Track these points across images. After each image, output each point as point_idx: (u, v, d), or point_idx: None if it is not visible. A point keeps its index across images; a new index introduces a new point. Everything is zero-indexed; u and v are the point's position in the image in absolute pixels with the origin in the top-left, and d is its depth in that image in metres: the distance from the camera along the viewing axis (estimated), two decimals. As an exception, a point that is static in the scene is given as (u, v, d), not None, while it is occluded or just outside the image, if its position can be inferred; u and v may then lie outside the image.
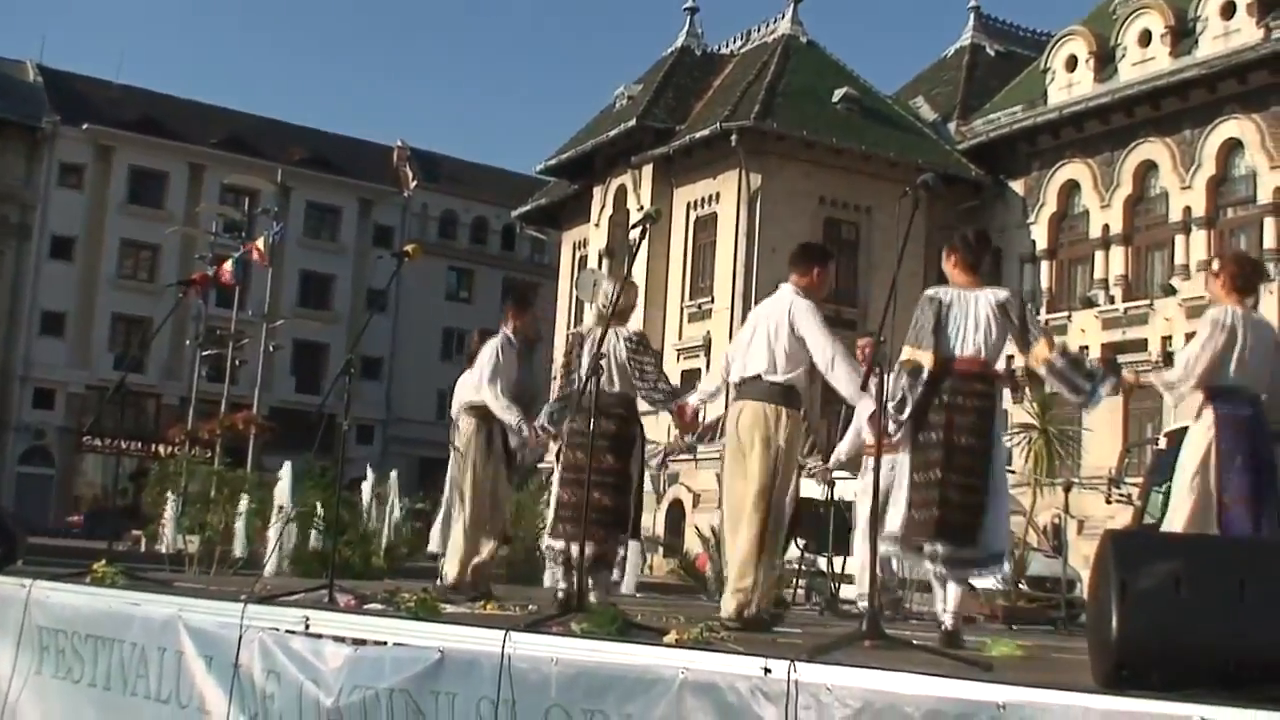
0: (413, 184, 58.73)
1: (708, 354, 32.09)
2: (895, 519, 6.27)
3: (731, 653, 4.70)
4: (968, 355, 6.20)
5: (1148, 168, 30.68)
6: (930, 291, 6.32)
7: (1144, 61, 30.57)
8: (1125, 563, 4.06)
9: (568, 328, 35.83)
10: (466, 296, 58.46)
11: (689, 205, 34.30)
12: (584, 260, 38.29)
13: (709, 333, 32.76)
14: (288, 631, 6.08)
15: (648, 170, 34.92)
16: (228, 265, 32.56)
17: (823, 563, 11.51)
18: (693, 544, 22.46)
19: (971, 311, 6.25)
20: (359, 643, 5.83)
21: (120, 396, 10.40)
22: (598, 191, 37.24)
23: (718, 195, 33.48)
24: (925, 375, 6.13)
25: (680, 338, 33.84)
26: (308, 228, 55.19)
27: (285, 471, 14.04)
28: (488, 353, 8.32)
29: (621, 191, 36.08)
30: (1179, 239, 29.52)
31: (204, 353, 36.98)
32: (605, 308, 7.48)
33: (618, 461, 7.34)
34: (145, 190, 52.49)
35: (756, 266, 31.72)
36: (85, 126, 50.61)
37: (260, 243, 33.63)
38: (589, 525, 6.68)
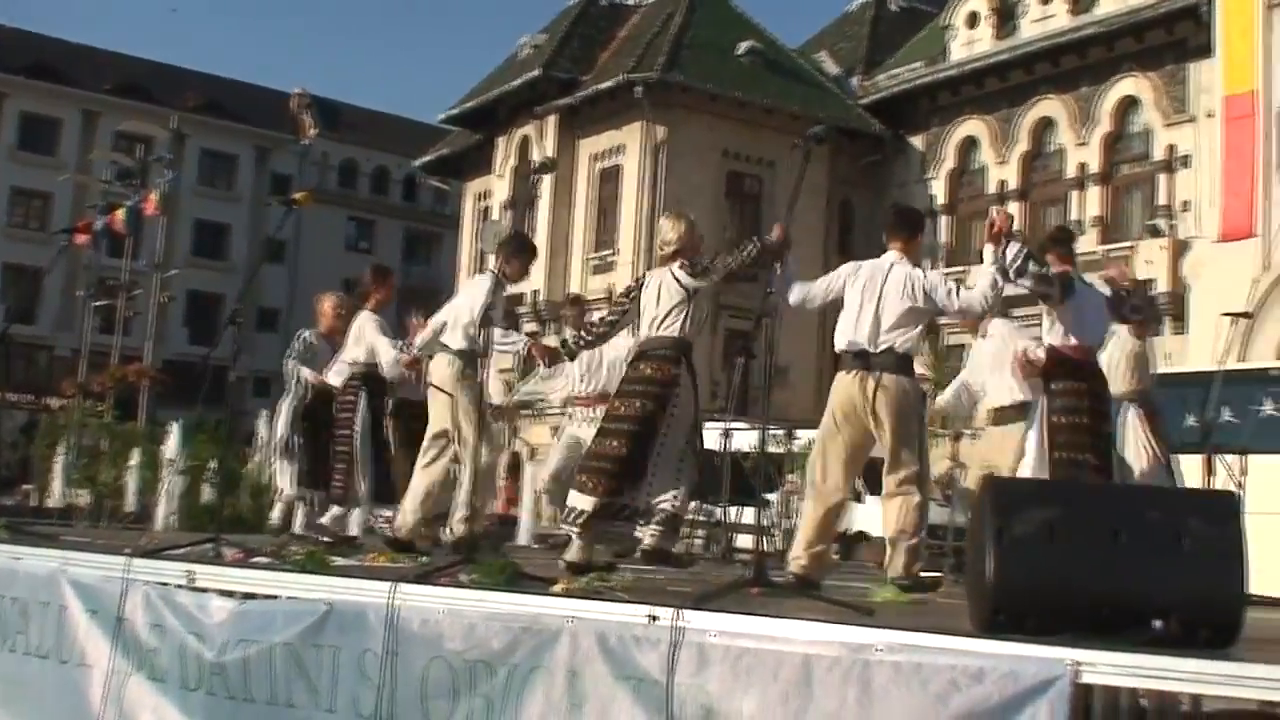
0: (312, 132, 57.68)
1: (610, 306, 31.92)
2: None
3: (618, 601, 4.72)
4: None
5: (1045, 124, 31.04)
6: None
7: (1044, 19, 30.82)
8: (1001, 509, 4.13)
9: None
10: (367, 247, 57.58)
11: (593, 157, 34.13)
12: (486, 211, 37.97)
13: (612, 285, 32.68)
14: (176, 586, 6.02)
15: (552, 121, 34.64)
16: (119, 214, 31.83)
17: (719, 512, 11.68)
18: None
19: None
20: (249, 597, 5.77)
21: (5, 347, 10.11)
22: (501, 142, 36.89)
23: (622, 147, 33.34)
24: None
25: (585, 289, 33.76)
26: (202, 175, 54.03)
27: (174, 426, 13.87)
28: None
29: (525, 142, 35.77)
30: (1074, 195, 29.95)
31: (95, 304, 36.22)
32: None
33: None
34: (37, 137, 51.14)
35: (660, 219, 31.62)
36: (-27, 71, 49.12)
37: (155, 193, 32.90)
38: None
